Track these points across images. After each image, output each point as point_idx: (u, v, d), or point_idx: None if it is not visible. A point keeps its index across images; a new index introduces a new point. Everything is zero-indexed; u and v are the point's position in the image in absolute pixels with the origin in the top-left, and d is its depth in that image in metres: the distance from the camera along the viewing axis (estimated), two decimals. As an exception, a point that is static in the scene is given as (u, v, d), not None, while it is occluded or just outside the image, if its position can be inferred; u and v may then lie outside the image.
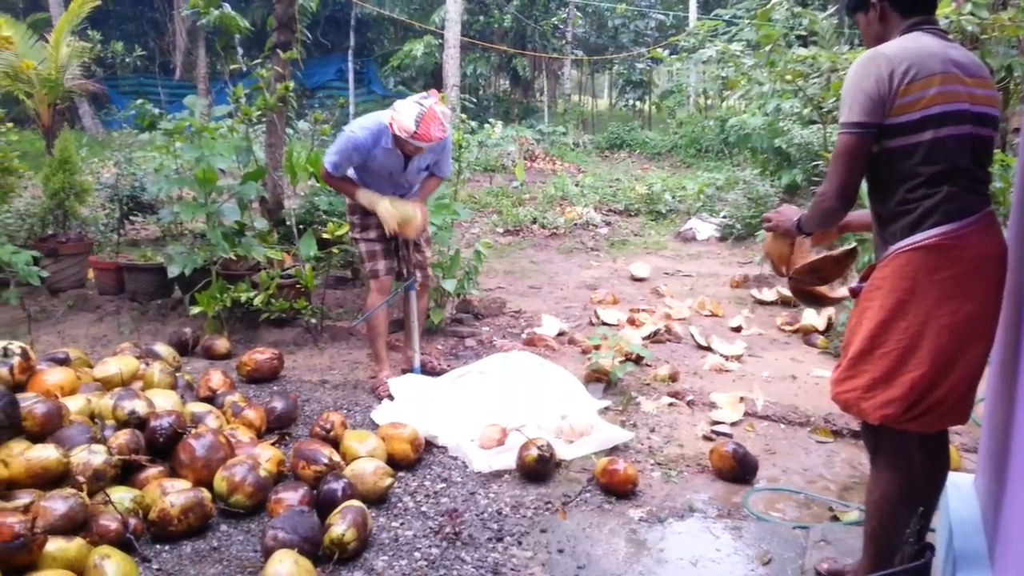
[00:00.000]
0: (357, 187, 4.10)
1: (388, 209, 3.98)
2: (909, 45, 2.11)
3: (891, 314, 2.11)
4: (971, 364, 2.11)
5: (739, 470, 3.29)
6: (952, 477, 2.63)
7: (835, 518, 3.03)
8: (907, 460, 2.22)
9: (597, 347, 4.58)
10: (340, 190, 4.23)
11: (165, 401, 3.28)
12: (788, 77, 7.00)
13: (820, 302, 2.73)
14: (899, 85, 2.05)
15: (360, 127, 3.95)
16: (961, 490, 2.59)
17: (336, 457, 3.09)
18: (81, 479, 2.66)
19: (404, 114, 3.79)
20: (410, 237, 4.16)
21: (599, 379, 4.33)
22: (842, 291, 2.62)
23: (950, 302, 2.05)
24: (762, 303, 6.09)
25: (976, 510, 2.45)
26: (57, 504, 2.48)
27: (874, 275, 2.19)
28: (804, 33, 9.10)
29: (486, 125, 9.10)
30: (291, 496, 2.84)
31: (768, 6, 8.09)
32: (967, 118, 2.08)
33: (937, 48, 2.12)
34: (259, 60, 5.71)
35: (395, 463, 3.27)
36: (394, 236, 4.15)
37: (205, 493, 2.80)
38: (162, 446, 3.02)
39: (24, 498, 2.52)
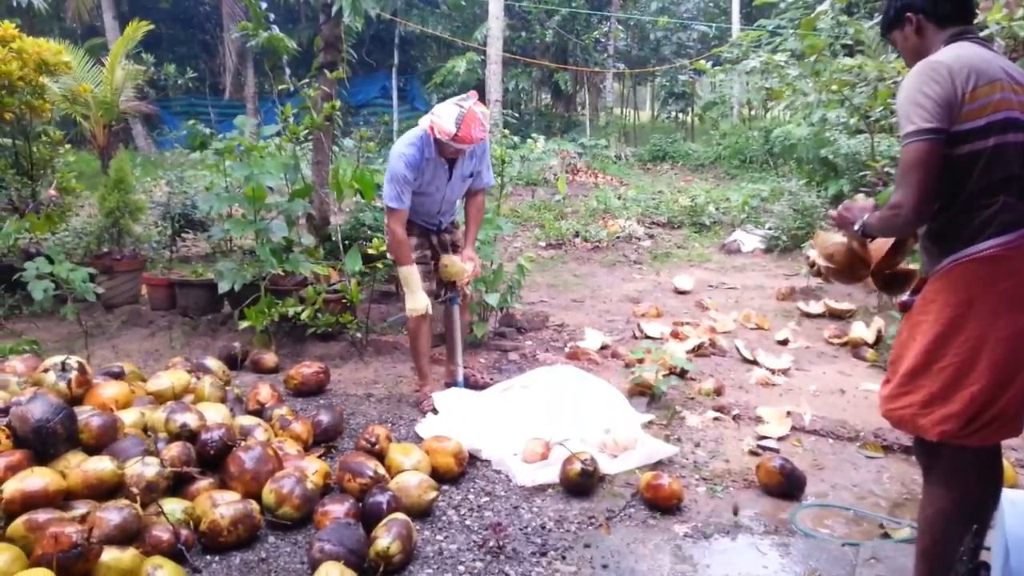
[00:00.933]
0: (409, 261, 4.01)
1: (415, 305, 4.02)
2: (962, 53, 2.08)
3: (947, 328, 2.07)
4: None
5: (786, 485, 3.24)
6: (1008, 493, 2.55)
7: (886, 535, 2.96)
8: (963, 476, 2.18)
9: (640, 361, 4.56)
10: (395, 252, 4.05)
11: (215, 414, 3.35)
12: (834, 87, 6.91)
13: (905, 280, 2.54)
14: (965, 91, 2.02)
15: (405, 145, 3.94)
16: (1017, 507, 2.51)
17: (381, 470, 3.13)
18: (135, 490, 2.73)
19: (444, 117, 3.79)
20: (463, 286, 4.21)
21: (643, 393, 4.30)
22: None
23: (1008, 314, 2.02)
24: (809, 316, 5.99)
25: (1034, 528, 2.38)
26: (112, 515, 2.54)
27: (927, 288, 2.14)
28: (850, 42, 8.98)
29: (528, 140, 9.14)
30: (337, 508, 2.88)
31: (813, 16, 8.00)
32: (1020, 126, 2.05)
33: (990, 55, 2.10)
34: (306, 80, 5.84)
35: (439, 476, 3.29)
36: (432, 258, 4.21)
37: (254, 505, 2.85)
38: (212, 458, 3.08)
39: (80, 508, 2.60)
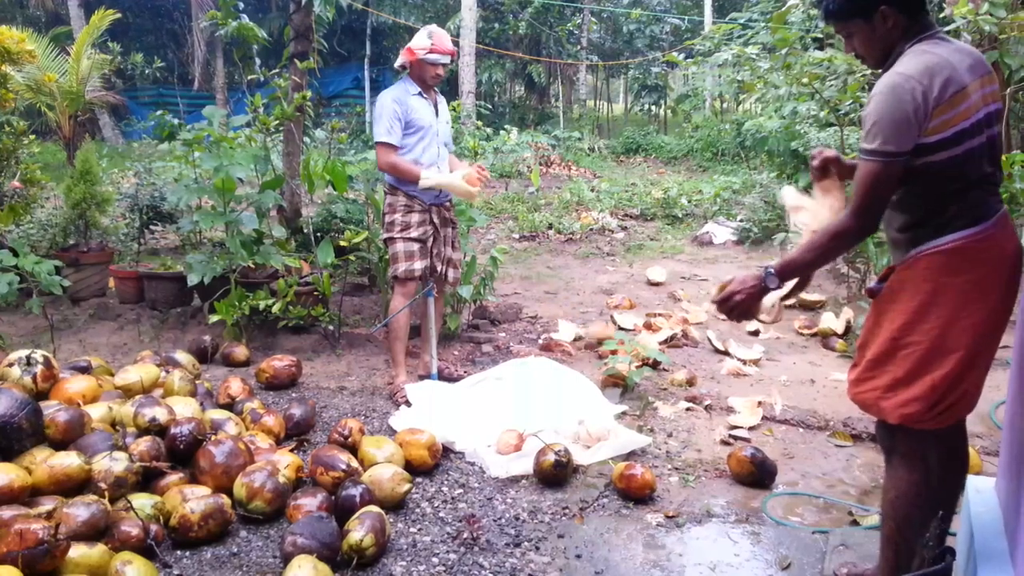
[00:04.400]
0: (419, 171, 4.10)
1: (461, 182, 4.07)
2: (932, 61, 2.05)
3: (914, 316, 2.11)
4: (988, 360, 2.14)
5: (757, 475, 3.27)
6: (973, 480, 2.61)
7: (855, 522, 3.01)
8: (924, 460, 2.22)
9: (614, 352, 4.58)
10: (404, 175, 4.11)
11: (185, 408, 3.31)
12: (804, 80, 6.96)
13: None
14: (934, 106, 2.02)
15: (388, 89, 4.22)
16: (982, 493, 2.57)
17: (354, 463, 3.11)
18: (103, 486, 2.69)
19: (417, 39, 4.11)
20: (475, 196, 4.19)
21: (616, 384, 4.32)
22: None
23: (973, 303, 2.07)
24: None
25: (997, 513, 2.43)
26: (79, 511, 2.51)
27: (894, 277, 2.18)
28: (820, 36, 9.06)
29: (501, 131, 9.13)
30: (310, 502, 2.86)
31: (784, 9, 8.06)
32: (984, 124, 2.08)
33: (955, 57, 2.08)
34: (277, 70, 5.77)
35: (413, 469, 3.28)
36: (433, 235, 4.22)
37: (225, 499, 2.82)
38: (182, 453, 3.05)
39: (47, 505, 2.56)
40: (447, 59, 4.14)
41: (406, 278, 4.20)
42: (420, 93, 4.18)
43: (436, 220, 4.24)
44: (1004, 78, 6.78)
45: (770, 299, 2.37)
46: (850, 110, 7.09)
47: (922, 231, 2.11)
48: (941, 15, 6.75)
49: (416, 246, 4.18)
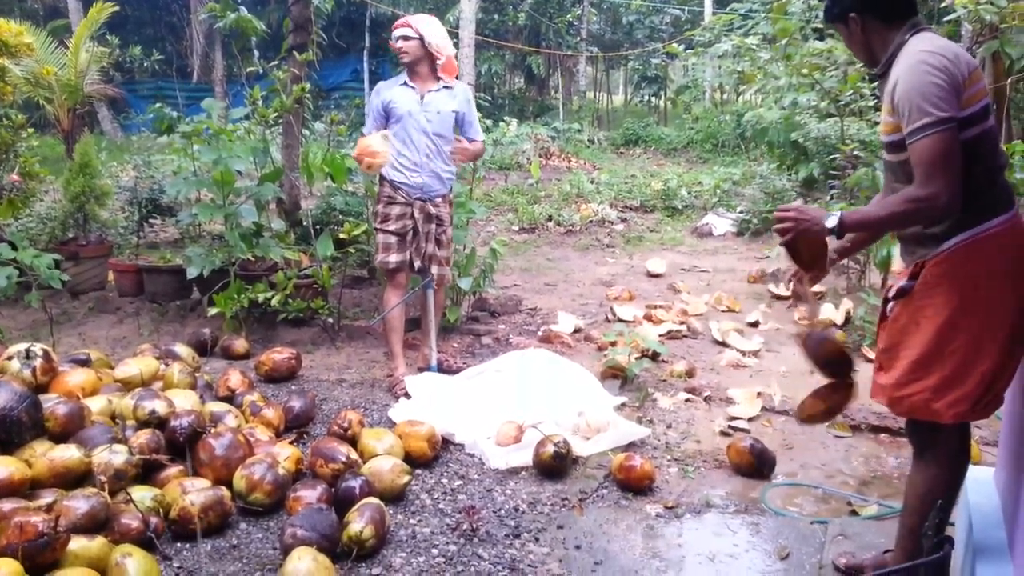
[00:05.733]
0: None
1: (363, 142, 4.08)
2: (944, 42, 2.09)
3: (956, 312, 2.08)
4: (1023, 349, 2.12)
5: (757, 465, 3.28)
6: (972, 471, 2.61)
7: (854, 512, 3.02)
8: (959, 454, 2.24)
9: (613, 344, 4.58)
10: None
11: (185, 401, 3.31)
12: (805, 71, 6.95)
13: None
14: (965, 76, 2.03)
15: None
16: (981, 484, 2.57)
17: (354, 455, 3.12)
18: (103, 478, 2.70)
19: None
20: (372, 170, 4.14)
21: (615, 375, 4.32)
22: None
23: (1011, 292, 2.07)
24: (779, 298, 6.05)
25: (996, 503, 2.44)
26: (79, 503, 2.51)
27: (928, 272, 2.13)
28: (820, 26, 9.03)
29: (501, 123, 9.10)
30: (309, 494, 2.87)
31: (784, 0, 8.04)
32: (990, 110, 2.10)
33: (956, 45, 2.12)
34: (275, 62, 5.75)
35: (412, 461, 3.29)
36: (413, 229, 4.17)
37: (225, 491, 2.82)
38: (182, 445, 3.05)
39: (47, 497, 2.56)
40: (400, 31, 4.12)
41: (383, 269, 4.23)
42: (406, 83, 4.18)
43: (418, 215, 4.19)
44: (1005, 68, 6.76)
45: (806, 293, 2.38)
46: (850, 100, 7.07)
47: (955, 221, 2.07)
48: (942, 5, 6.73)
49: (393, 239, 4.18)
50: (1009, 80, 6.75)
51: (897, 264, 4.19)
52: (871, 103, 7.37)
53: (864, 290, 5.43)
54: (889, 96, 2.12)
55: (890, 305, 2.26)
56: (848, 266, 6.02)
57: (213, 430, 3.11)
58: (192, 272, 4.95)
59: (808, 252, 2.32)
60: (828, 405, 2.48)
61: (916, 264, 2.18)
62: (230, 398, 3.72)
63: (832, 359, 2.42)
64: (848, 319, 5.24)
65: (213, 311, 4.88)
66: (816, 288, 5.96)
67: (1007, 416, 2.53)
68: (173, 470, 2.97)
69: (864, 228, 2.28)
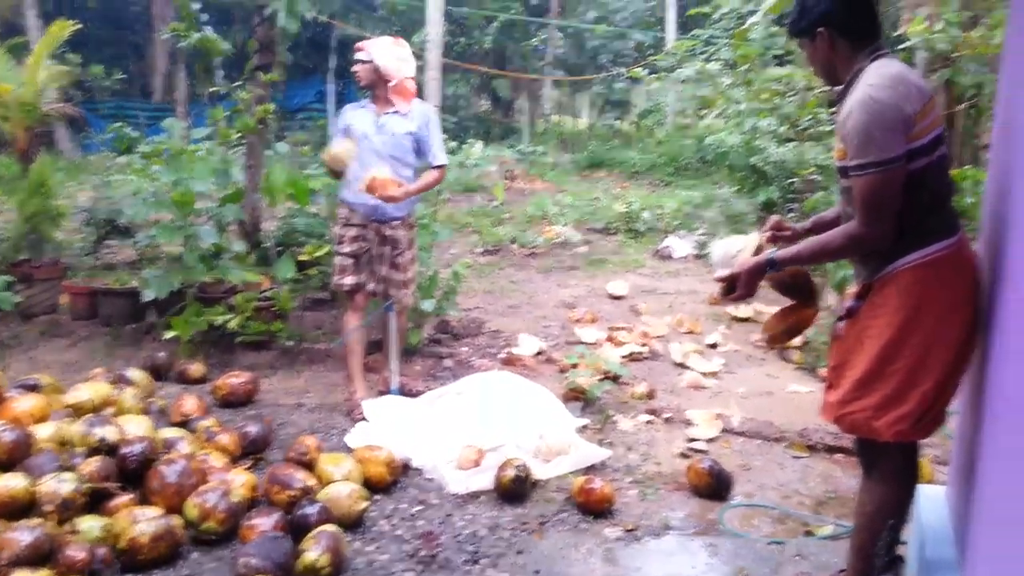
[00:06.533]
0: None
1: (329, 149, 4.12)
2: (899, 72, 2.12)
3: (900, 331, 2.12)
4: (965, 371, 2.18)
5: (715, 486, 3.30)
6: (924, 489, 2.65)
7: (809, 533, 3.04)
8: (904, 472, 2.28)
9: (575, 366, 4.59)
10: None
11: (137, 427, 3.25)
12: (764, 96, 7.10)
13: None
14: (916, 110, 2.07)
15: None
16: (933, 501, 2.61)
17: (311, 481, 3.07)
18: (49, 508, 2.62)
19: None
20: (341, 166, 4.06)
21: (577, 398, 4.32)
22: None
23: (953, 314, 2.11)
24: (739, 320, 6.11)
25: (947, 521, 2.47)
26: (23, 535, 2.44)
27: (875, 294, 2.18)
28: (780, 52, 9.22)
29: (465, 145, 9.13)
30: (264, 522, 2.81)
31: (745, 26, 8.20)
32: (942, 139, 2.15)
33: (912, 72, 2.18)
34: (239, 82, 5.71)
35: (371, 486, 3.25)
36: (368, 252, 4.15)
37: (176, 520, 2.77)
38: (133, 473, 2.99)
39: (-11, 528, 2.49)
40: (357, 55, 4.16)
41: (337, 291, 4.20)
42: (367, 105, 4.21)
43: (373, 237, 4.16)
44: (956, 96, 6.95)
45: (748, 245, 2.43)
46: (808, 125, 7.22)
47: (902, 243, 2.13)
48: (895, 34, 6.92)
49: (348, 261, 4.16)
50: (960, 107, 6.95)
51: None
52: (828, 128, 7.53)
53: (821, 312, 5.50)
54: (841, 125, 2.16)
55: (840, 324, 2.30)
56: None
57: (165, 457, 3.05)
58: (148, 295, 4.87)
59: (791, 283, 2.46)
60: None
61: (863, 285, 2.23)
62: (184, 424, 3.66)
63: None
64: (805, 341, 5.30)
65: (169, 334, 4.80)
66: (775, 310, 6.05)
67: (958, 435, 2.58)
68: (123, 499, 2.90)
69: (797, 263, 2.34)
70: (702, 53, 11.74)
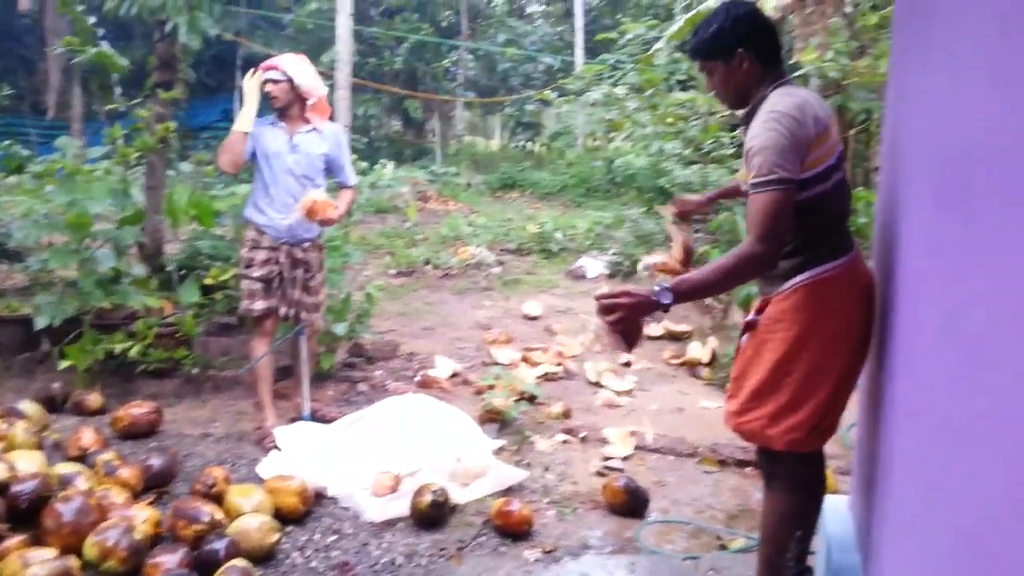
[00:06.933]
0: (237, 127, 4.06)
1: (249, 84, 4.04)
2: (801, 100, 2.19)
3: (795, 345, 2.20)
4: (855, 383, 2.29)
5: (631, 504, 3.34)
6: (829, 500, 2.75)
7: (723, 547, 3.11)
8: (803, 482, 2.34)
9: (491, 387, 4.58)
10: (228, 148, 4.03)
11: (29, 463, 3.06)
12: (669, 119, 7.32)
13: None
14: (811, 139, 2.14)
15: None
16: (837, 512, 2.71)
17: (219, 514, 2.96)
18: (-72, 554, 2.44)
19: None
20: (321, 216, 3.94)
21: (493, 419, 4.32)
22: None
23: (846, 328, 2.21)
24: (650, 338, 6.24)
25: (851, 530, 2.57)
26: (-101, 584, 2.25)
27: (772, 308, 2.27)
28: (684, 78, 9.55)
29: (377, 166, 9.06)
30: (169, 559, 2.68)
31: (650, 52, 8.46)
32: (841, 162, 2.26)
33: (814, 99, 2.27)
34: (138, 100, 5.50)
35: (283, 517, 3.15)
36: (279, 275, 4.05)
37: (73, 561, 2.61)
38: (25, 512, 2.81)
39: None
40: (270, 74, 4.04)
41: (248, 317, 4.12)
42: (274, 123, 4.11)
43: (284, 260, 4.07)
44: (847, 120, 7.33)
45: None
46: (711, 148, 7.49)
47: (798, 262, 2.22)
48: (791, 62, 7.26)
49: (258, 285, 4.05)
50: (851, 132, 7.32)
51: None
52: (730, 151, 7.83)
53: (728, 328, 5.68)
54: (746, 146, 2.23)
55: (743, 338, 2.39)
56: (712, 306, 6.30)
57: (61, 494, 2.87)
58: (41, 322, 4.60)
59: (635, 331, 2.21)
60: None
61: (763, 300, 2.32)
62: (82, 458, 3.46)
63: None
64: (714, 357, 5.46)
65: (64, 364, 4.55)
66: (684, 327, 6.22)
67: (857, 446, 2.69)
68: (13, 541, 2.71)
69: (697, 294, 2.26)
70: (609, 77, 12.04)
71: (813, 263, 2.21)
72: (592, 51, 20.98)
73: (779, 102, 2.19)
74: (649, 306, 2.11)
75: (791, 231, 2.15)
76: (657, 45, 8.32)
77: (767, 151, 2.11)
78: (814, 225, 2.21)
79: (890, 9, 5.63)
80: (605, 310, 2.12)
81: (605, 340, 2.22)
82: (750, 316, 2.34)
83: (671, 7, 14.54)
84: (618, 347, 2.24)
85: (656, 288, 2.11)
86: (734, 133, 7.83)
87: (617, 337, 2.16)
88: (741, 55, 2.27)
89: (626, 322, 2.12)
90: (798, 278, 2.22)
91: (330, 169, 4.22)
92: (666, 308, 2.13)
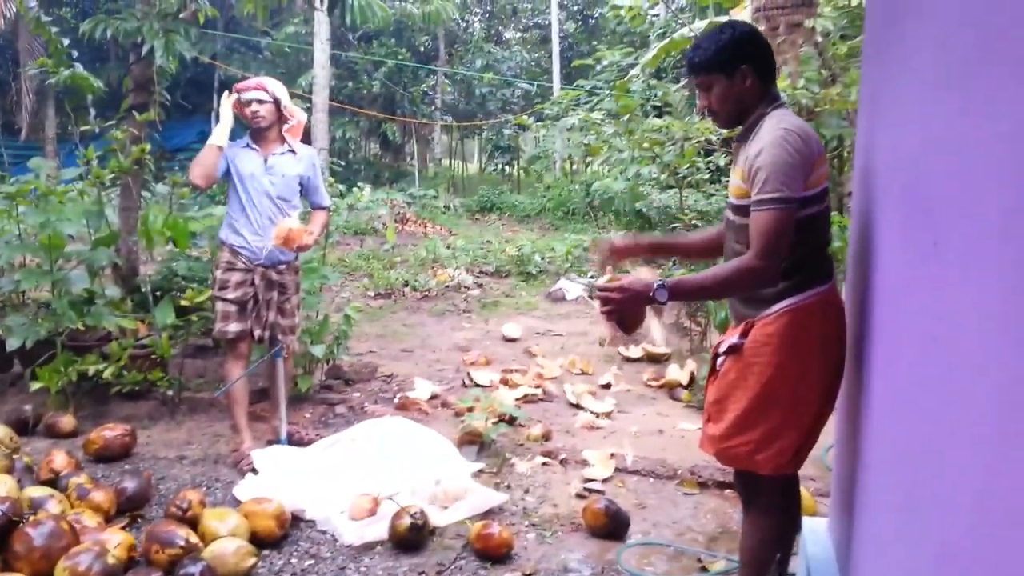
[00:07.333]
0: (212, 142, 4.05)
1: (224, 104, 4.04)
2: (803, 123, 2.24)
3: (781, 370, 2.21)
4: (832, 407, 2.31)
5: (612, 526, 3.32)
6: (808, 521, 2.77)
7: (704, 569, 3.10)
8: (782, 504, 2.35)
9: (470, 409, 4.56)
10: (201, 161, 4.01)
11: (-2, 487, 2.99)
12: (645, 144, 7.39)
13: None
14: (815, 158, 2.18)
15: None
16: (816, 533, 2.72)
17: (194, 538, 2.90)
18: None
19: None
20: (298, 243, 3.94)
21: (473, 441, 4.29)
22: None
23: (827, 353, 2.24)
24: (629, 360, 6.26)
25: (831, 551, 2.58)
26: None
27: (758, 332, 2.25)
28: (659, 104, 9.67)
29: (355, 188, 9.06)
30: (143, 584, 2.63)
31: (626, 78, 8.57)
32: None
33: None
34: (113, 122, 5.47)
35: (259, 541, 3.10)
36: (254, 297, 4.03)
37: (43, 587, 2.55)
38: (-7, 538, 2.74)
39: None
40: (255, 94, 4.03)
41: (222, 339, 4.10)
42: (249, 145, 4.10)
43: (259, 282, 4.05)
44: (820, 147, 7.41)
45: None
46: (687, 174, 7.56)
47: (785, 287, 2.22)
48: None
49: (232, 307, 4.02)
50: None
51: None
52: (706, 176, 7.91)
53: (706, 351, 5.71)
54: (748, 163, 2.21)
55: (720, 360, 2.38)
56: (691, 328, 6.33)
57: (32, 518, 2.81)
58: (13, 344, 4.53)
59: (632, 321, 2.38)
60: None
61: (747, 323, 2.30)
62: (53, 481, 3.40)
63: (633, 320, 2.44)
64: (692, 379, 5.48)
65: (36, 386, 4.47)
66: (663, 350, 6.24)
67: (836, 469, 2.71)
68: (-19, 566, 2.65)
69: (691, 296, 2.41)
70: (586, 103, 12.17)
71: (799, 288, 2.22)
72: (569, 77, 21.23)
73: (784, 119, 2.22)
74: (644, 300, 2.24)
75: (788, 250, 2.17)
76: (633, 72, 8.44)
77: (773, 169, 2.13)
78: (808, 245, 2.23)
79: (859, 39, 5.76)
80: (602, 300, 2.26)
81: (604, 327, 2.37)
82: (734, 339, 2.32)
83: (646, 35, 14.78)
84: (615, 333, 2.39)
85: (655, 284, 2.20)
86: (709, 158, 7.93)
87: (613, 324, 2.33)
88: (744, 71, 2.28)
89: (620, 312, 2.27)
90: (785, 302, 2.22)
91: (305, 190, 4.24)
92: (662, 304, 2.23)
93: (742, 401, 2.27)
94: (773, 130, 2.19)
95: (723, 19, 6.09)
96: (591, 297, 2.59)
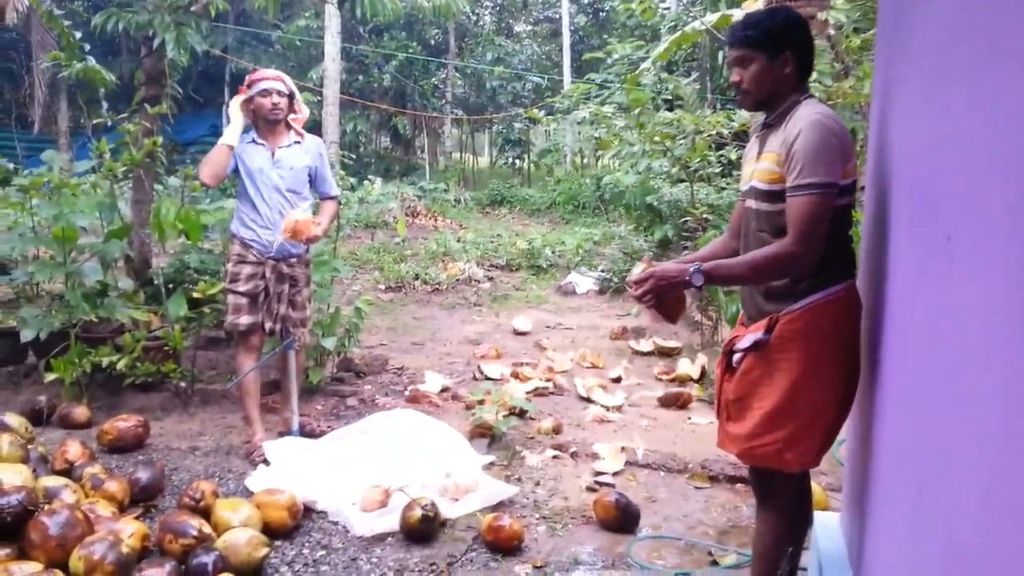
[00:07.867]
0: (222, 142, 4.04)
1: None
2: (832, 112, 2.21)
3: (808, 367, 2.17)
4: (852, 402, 2.27)
5: (622, 519, 3.33)
6: (819, 516, 2.76)
7: (714, 563, 3.10)
8: (799, 501, 2.35)
9: (481, 402, 4.57)
10: (211, 160, 4.01)
11: (14, 476, 3.01)
12: (656, 138, 7.36)
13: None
14: (850, 149, 2.16)
15: None
16: (828, 528, 2.72)
17: (207, 528, 2.92)
18: (-89, 569, 2.40)
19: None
20: (307, 235, 3.93)
21: (483, 434, 4.30)
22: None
23: (851, 349, 2.21)
24: (640, 353, 6.26)
25: (843, 546, 2.57)
26: None
27: (784, 328, 2.20)
28: (670, 97, 9.63)
29: (366, 182, 9.07)
30: (156, 573, 2.65)
31: (637, 72, 8.53)
32: None
33: None
34: (125, 115, 5.50)
35: (271, 531, 3.12)
36: (265, 290, 4.04)
37: (59, 575, 2.57)
38: (10, 526, 2.76)
39: None
40: (273, 84, 4.03)
41: (231, 331, 4.10)
42: (255, 140, 4.10)
43: (270, 275, 4.06)
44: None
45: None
46: (698, 167, 7.54)
47: (815, 280, 2.18)
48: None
49: (244, 300, 4.03)
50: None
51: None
52: (717, 170, 7.88)
53: (717, 345, 5.70)
54: (785, 146, 2.16)
55: (737, 356, 2.32)
56: (702, 323, 6.32)
57: (47, 507, 2.84)
58: (28, 335, 4.56)
59: (674, 307, 2.35)
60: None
61: (770, 318, 2.23)
62: (68, 471, 3.42)
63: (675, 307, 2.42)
64: (703, 373, 5.47)
65: (51, 377, 4.51)
66: (673, 344, 6.23)
67: (848, 464, 2.70)
68: (-2, 555, 2.68)
69: (727, 281, 2.38)
70: (597, 96, 12.12)
71: (827, 283, 2.18)
72: (579, 70, 21.15)
73: (820, 107, 2.19)
74: (681, 284, 2.23)
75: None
76: (644, 65, 8.39)
77: (816, 152, 2.09)
78: (837, 237, 2.19)
79: (872, 32, 5.72)
80: (639, 288, 2.24)
81: (645, 316, 2.37)
82: (758, 335, 2.24)
83: (657, 28, 14.70)
84: (656, 321, 2.39)
85: (691, 268, 2.19)
86: (720, 152, 7.89)
87: (654, 312, 2.31)
88: (787, 57, 2.23)
89: (659, 297, 2.25)
90: (812, 297, 2.18)
91: (313, 181, 4.25)
92: (699, 288, 2.22)
93: (769, 399, 2.21)
94: (811, 115, 2.15)
95: (736, 12, 6.05)
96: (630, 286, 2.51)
